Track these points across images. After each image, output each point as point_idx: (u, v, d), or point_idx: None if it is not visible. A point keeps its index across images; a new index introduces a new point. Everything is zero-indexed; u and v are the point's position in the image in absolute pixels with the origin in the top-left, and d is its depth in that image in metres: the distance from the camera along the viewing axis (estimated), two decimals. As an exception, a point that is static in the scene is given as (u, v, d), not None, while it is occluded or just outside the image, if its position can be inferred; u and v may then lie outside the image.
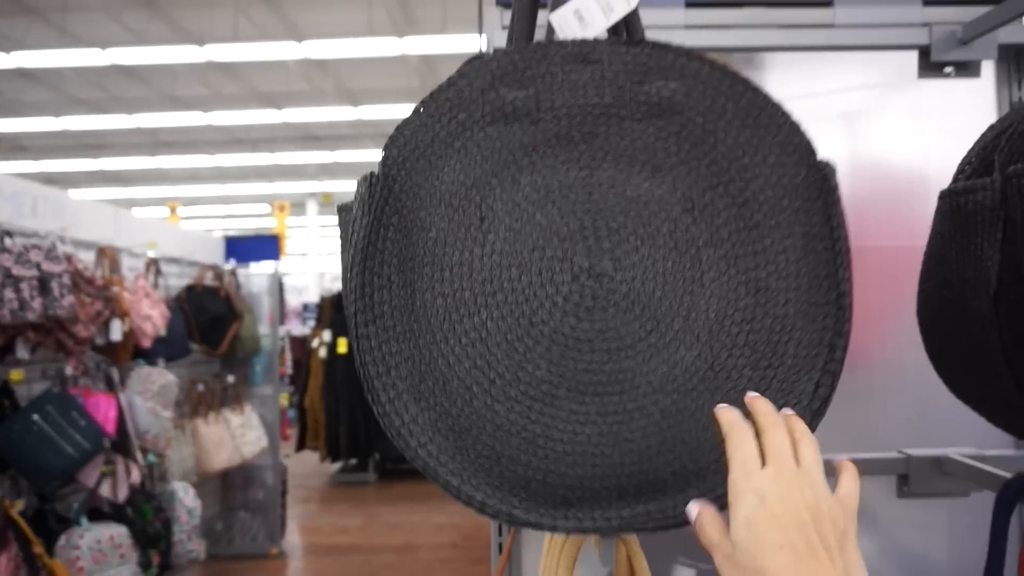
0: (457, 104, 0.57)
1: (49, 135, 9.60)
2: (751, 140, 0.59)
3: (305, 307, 10.56)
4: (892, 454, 1.00)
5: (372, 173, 0.56)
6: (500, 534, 0.96)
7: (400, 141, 0.56)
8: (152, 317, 3.05)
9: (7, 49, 6.78)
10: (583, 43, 0.59)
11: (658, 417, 0.55)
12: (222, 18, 6.48)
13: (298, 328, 8.85)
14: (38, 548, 2.32)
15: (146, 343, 3.01)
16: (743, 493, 0.39)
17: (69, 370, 2.61)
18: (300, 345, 7.19)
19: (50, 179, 11.68)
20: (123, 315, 2.75)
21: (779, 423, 0.42)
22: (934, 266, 0.75)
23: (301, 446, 5.71)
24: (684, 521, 0.55)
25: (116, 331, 2.69)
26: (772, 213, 0.59)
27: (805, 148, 0.59)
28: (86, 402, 2.66)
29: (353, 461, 5.73)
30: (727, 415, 0.44)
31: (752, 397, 0.45)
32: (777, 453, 0.41)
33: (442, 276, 0.55)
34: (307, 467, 5.92)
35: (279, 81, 8.08)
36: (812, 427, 0.56)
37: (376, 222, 0.54)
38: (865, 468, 1.00)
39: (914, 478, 0.98)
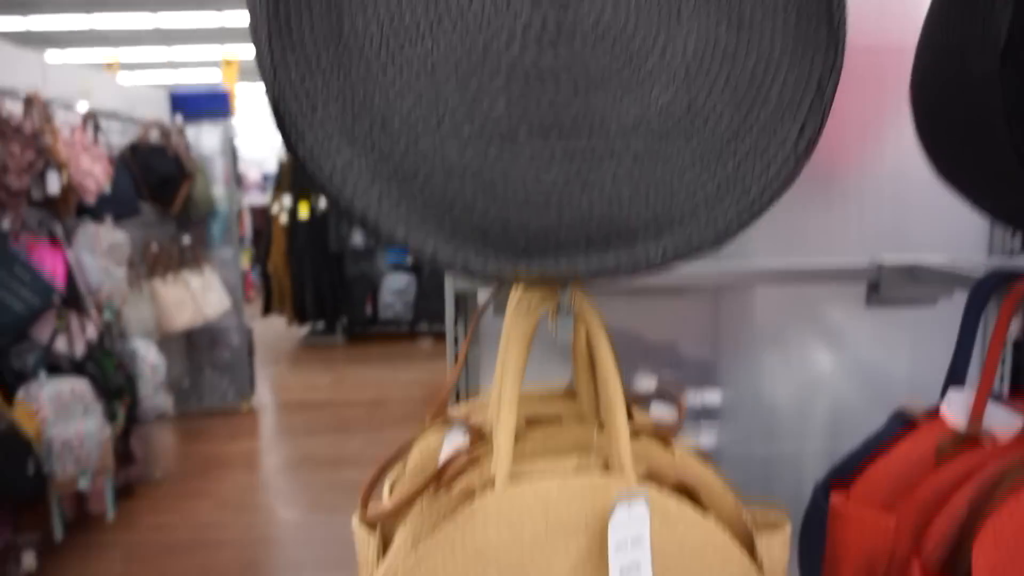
0: None
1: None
2: None
3: (265, 178, 10.23)
4: (863, 262, 0.97)
5: None
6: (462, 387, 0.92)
7: None
8: (94, 172, 2.87)
9: None
10: None
11: (629, 162, 0.49)
12: None
13: (259, 198, 8.61)
14: (-5, 400, 2.28)
15: (90, 199, 2.86)
16: None
17: (6, 224, 2.46)
18: (262, 215, 7.02)
19: (-25, 38, 10.75)
20: (60, 166, 2.58)
21: None
22: (935, 32, 0.68)
23: (267, 310, 5.69)
24: (653, 267, 0.50)
25: (54, 183, 2.53)
26: (753, -64, 0.50)
27: None
28: (30, 255, 2.54)
29: (321, 325, 5.75)
30: None
31: None
32: None
33: None
34: (275, 332, 5.93)
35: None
36: (797, 171, 0.51)
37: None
38: (836, 276, 0.97)
39: (885, 285, 0.95)
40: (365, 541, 0.70)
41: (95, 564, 2.55)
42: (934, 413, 0.73)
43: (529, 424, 0.77)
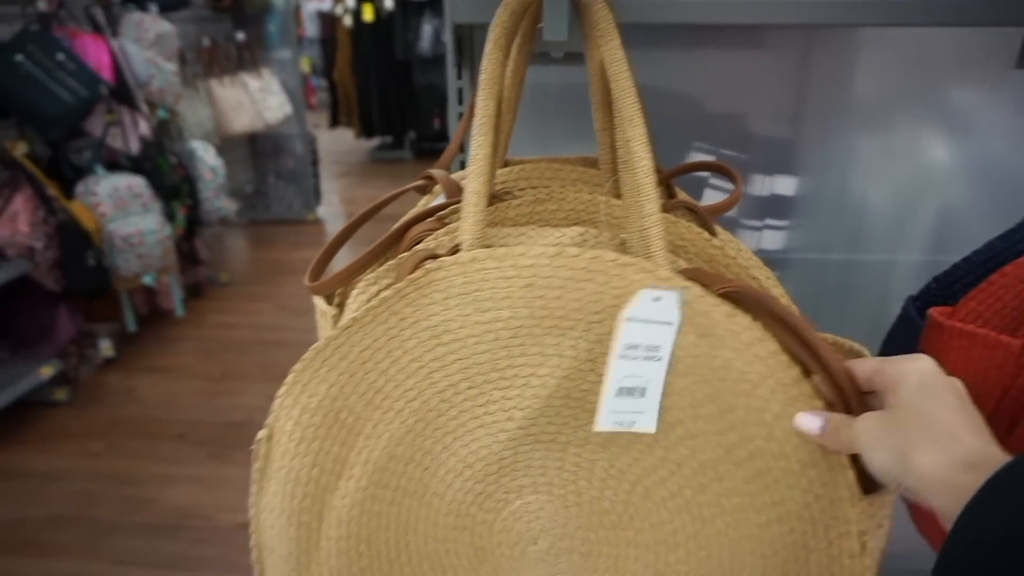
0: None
1: None
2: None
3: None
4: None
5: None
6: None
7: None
8: (133, -49, 2.66)
9: None
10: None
11: None
12: None
13: (327, 3, 8.21)
14: (52, 190, 2.28)
15: (132, -17, 2.68)
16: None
17: (43, 5, 2.33)
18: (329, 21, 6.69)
19: None
20: (91, -60, 2.38)
21: None
22: None
23: (335, 122, 5.57)
24: None
25: (86, -42, 2.35)
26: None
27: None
28: (73, 44, 2.43)
29: (388, 139, 5.60)
30: None
31: None
32: None
33: None
34: (343, 144, 5.84)
35: None
36: None
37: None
38: (983, 13, 0.70)
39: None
40: (322, 314, 0.57)
41: (166, 355, 2.68)
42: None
43: (532, 189, 0.59)
